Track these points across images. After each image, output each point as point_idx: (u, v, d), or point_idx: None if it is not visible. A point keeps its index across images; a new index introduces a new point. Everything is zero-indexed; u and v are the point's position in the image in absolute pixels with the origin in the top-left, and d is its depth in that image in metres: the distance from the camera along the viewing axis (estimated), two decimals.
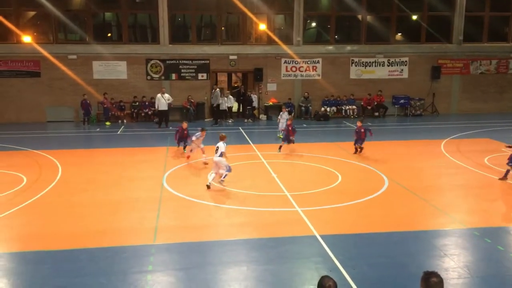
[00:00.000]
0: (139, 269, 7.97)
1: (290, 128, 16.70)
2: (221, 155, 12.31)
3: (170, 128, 21.81)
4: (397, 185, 12.74)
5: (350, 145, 16.86)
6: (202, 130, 15.09)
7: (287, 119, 17.81)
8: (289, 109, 22.03)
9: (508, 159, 12.94)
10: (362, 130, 16.05)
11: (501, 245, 8.88)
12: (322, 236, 9.23)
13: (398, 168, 14.57)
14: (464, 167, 14.64)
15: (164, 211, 10.76)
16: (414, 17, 25.77)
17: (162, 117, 22.28)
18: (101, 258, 8.36)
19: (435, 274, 4.26)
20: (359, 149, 16.27)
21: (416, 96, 25.52)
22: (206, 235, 9.42)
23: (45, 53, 22.55)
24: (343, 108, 25.10)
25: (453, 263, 8.21)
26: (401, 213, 10.74)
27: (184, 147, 16.41)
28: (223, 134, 12.94)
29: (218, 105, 23.28)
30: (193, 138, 14.99)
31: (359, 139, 16.16)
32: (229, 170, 12.47)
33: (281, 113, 19.14)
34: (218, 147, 12.41)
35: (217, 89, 23.64)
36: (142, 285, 7.44)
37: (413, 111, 25.43)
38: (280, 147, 16.71)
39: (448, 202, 11.59)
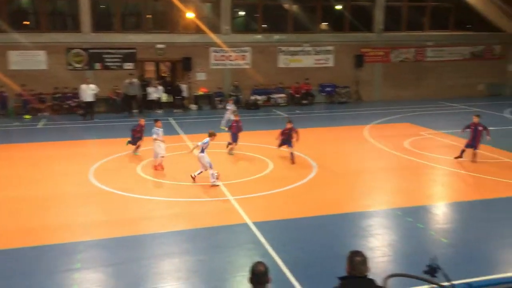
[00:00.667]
0: (66, 267, 7.66)
1: (235, 124, 15.17)
2: (202, 150, 11.89)
3: (96, 120, 21.01)
4: (325, 170, 13.18)
5: (278, 132, 17.12)
6: (156, 121, 13.95)
7: (233, 113, 17.20)
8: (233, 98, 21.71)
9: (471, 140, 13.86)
10: (292, 131, 14.15)
11: (421, 223, 9.49)
12: (254, 223, 9.37)
13: (326, 154, 15.06)
14: (386, 150, 15.42)
15: (92, 206, 10.40)
16: (338, 7, 26.58)
17: (88, 109, 21.38)
18: (26, 257, 7.93)
19: (359, 253, 4.48)
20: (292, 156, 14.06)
21: (342, 84, 26.41)
22: (136, 229, 9.22)
23: None
24: (273, 97, 25.45)
25: (378, 242, 8.67)
26: (329, 197, 11.14)
27: (137, 147, 15.02)
28: (212, 131, 12.48)
29: (135, 96, 22.60)
30: (154, 136, 13.39)
31: (287, 141, 14.15)
32: (210, 166, 11.81)
33: (226, 104, 19.04)
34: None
35: (128, 80, 22.65)
36: (69, 284, 7.16)
37: (339, 99, 26.31)
38: (229, 146, 15.15)
39: (372, 184, 12.18)
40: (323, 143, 16.53)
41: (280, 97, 25.47)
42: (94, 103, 21.57)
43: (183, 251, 8.35)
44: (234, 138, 15.27)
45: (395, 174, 13.05)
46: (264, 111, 23.91)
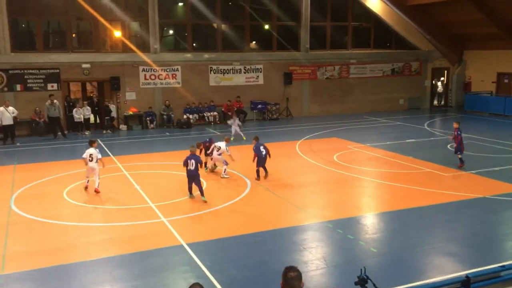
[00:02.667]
0: None
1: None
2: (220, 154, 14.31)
3: (18, 144, 19.86)
4: (259, 186, 13.31)
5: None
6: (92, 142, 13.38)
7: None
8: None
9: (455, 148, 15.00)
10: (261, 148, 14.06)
11: (351, 234, 9.82)
12: (188, 244, 9.23)
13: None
14: (316, 165, 15.86)
15: (13, 237, 9.74)
16: (266, 27, 27.24)
17: (8, 132, 20.14)
18: None
19: (292, 269, 4.54)
20: (264, 174, 14.16)
21: (272, 101, 26.94)
22: (63, 258, 8.75)
23: None
24: (205, 115, 25.41)
25: (311, 255, 8.84)
26: (263, 213, 11.24)
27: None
28: (227, 137, 15.28)
29: (58, 117, 21.72)
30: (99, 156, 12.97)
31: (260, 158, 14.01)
32: (226, 163, 14.26)
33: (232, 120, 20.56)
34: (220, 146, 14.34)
35: (55, 101, 21.70)
36: None
37: (270, 115, 26.79)
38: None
39: (304, 198, 12.46)
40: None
41: (212, 115, 25.49)
42: (14, 127, 20.39)
43: (115, 278, 8.03)
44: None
45: (326, 188, 13.44)
46: (196, 130, 23.78)
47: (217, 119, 25.48)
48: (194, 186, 12.18)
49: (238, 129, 20.30)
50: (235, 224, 10.50)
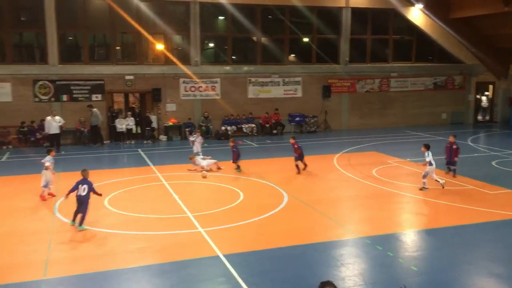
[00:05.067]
0: None
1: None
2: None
3: (63, 152, 20.56)
4: (295, 199, 13.20)
5: (250, 163, 17.16)
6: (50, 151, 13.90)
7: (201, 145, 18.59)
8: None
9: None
10: (296, 146, 16.21)
11: (390, 251, 9.56)
12: (225, 256, 9.23)
13: (296, 183, 15.13)
14: (355, 179, 15.61)
15: (56, 242, 10.04)
16: (306, 40, 27.26)
17: (53, 141, 20.92)
18: None
19: (329, 283, 4.47)
20: (303, 166, 16.43)
21: (310, 113, 26.83)
22: (102, 265, 8.93)
23: None
24: (243, 127, 25.58)
25: (349, 271, 8.66)
26: (300, 227, 11.13)
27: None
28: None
29: (97, 126, 22.49)
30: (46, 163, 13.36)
31: (297, 155, 16.24)
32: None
33: (193, 136, 18.87)
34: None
35: (94, 109, 22.51)
36: None
37: (308, 128, 26.67)
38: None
39: (342, 213, 12.27)
40: (293, 172, 16.60)
41: (250, 127, 25.62)
42: (60, 135, 21.15)
43: (152, 286, 8.12)
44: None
45: (364, 203, 13.18)
46: None
47: (254, 131, 25.59)
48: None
49: (199, 146, 18.43)
50: (272, 236, 10.44)
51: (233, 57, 26.26)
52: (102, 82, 23.47)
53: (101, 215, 11.83)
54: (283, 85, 26.53)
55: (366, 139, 23.79)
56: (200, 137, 18.68)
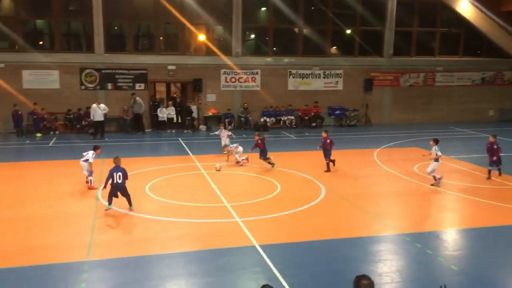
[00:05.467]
0: (70, 286, 7.61)
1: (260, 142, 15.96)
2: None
3: (106, 139, 21.17)
4: (333, 193, 13.09)
5: (288, 155, 17.14)
6: (96, 148, 13.75)
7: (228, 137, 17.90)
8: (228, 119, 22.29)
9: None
10: (328, 140, 15.53)
11: (430, 249, 9.34)
12: (261, 246, 9.28)
13: (334, 177, 14.99)
14: (395, 174, 15.31)
15: (99, 226, 10.39)
16: (348, 31, 26.82)
17: (98, 128, 21.58)
18: (31, 277, 7.91)
19: (365, 277, 4.42)
20: (331, 163, 15.61)
21: (351, 107, 26.45)
22: (142, 249, 9.18)
23: None
24: (282, 119, 25.53)
25: (387, 268, 8.53)
26: (338, 221, 11.04)
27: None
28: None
29: (139, 115, 22.99)
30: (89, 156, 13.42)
31: (326, 150, 15.53)
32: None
33: (219, 131, 18.30)
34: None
35: (138, 98, 23.06)
36: None
37: (348, 122, 26.32)
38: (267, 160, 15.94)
39: (381, 209, 12.06)
40: (332, 166, 16.44)
41: (289, 119, 25.54)
42: (104, 123, 21.78)
43: (189, 273, 8.28)
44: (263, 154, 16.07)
45: (404, 199, 12.91)
46: (273, 133, 23.92)
47: (293, 123, 25.49)
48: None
49: (227, 141, 17.77)
50: (309, 229, 10.41)
51: (274, 48, 26.19)
52: (146, 71, 23.96)
53: (142, 201, 12.13)
54: (324, 77, 26.25)
55: (408, 134, 23.25)
56: (223, 130, 18.19)
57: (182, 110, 24.71)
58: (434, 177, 13.87)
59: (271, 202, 12.24)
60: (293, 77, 25.89)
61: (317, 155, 17.71)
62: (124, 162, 15.02)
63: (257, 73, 25.32)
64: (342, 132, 24.61)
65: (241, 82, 25.21)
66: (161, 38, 25.05)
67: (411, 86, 27.50)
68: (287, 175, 15.05)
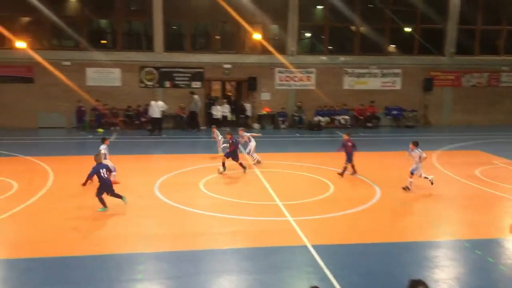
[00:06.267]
0: (128, 277, 7.91)
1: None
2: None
3: (163, 135, 21.78)
4: (389, 195, 12.77)
5: (341, 155, 16.87)
6: (104, 139, 13.90)
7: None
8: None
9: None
10: (349, 144, 14.68)
11: (491, 257, 8.91)
12: (313, 246, 9.22)
13: (390, 179, 14.59)
14: (455, 178, 14.70)
15: (155, 219, 10.71)
16: (408, 29, 26.04)
17: (155, 125, 22.25)
18: (90, 265, 8.29)
19: (420, 282, 4.26)
20: (349, 169, 14.73)
21: (409, 107, 25.68)
22: (196, 244, 9.37)
23: (39, 59, 22.43)
24: (336, 118, 25.21)
25: (444, 274, 8.23)
26: (393, 224, 10.77)
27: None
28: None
29: (195, 112, 23.30)
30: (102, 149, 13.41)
31: (348, 154, 14.64)
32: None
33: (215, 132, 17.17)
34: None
35: (195, 96, 23.51)
36: None
37: (406, 122, 25.57)
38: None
39: (439, 213, 11.63)
40: (387, 167, 16.07)
41: (343, 118, 25.18)
42: (161, 120, 22.42)
43: (241, 269, 8.37)
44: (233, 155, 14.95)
45: (464, 204, 12.37)
46: (326, 133, 23.71)
47: (347, 123, 25.11)
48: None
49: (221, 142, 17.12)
50: (362, 231, 10.22)
51: (329, 47, 25.89)
52: (202, 70, 24.43)
53: (196, 197, 12.39)
54: (381, 76, 25.65)
55: (469, 136, 22.25)
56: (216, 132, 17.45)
57: (236, 108, 24.98)
58: (411, 182, 13.16)
59: (324, 202, 12.13)
60: (349, 76, 25.48)
61: (372, 156, 17.38)
62: (180, 158, 15.42)
63: (312, 72, 25.14)
64: (399, 133, 23.94)
65: (295, 81, 25.13)
66: (217, 37, 25.43)
67: (473, 86, 26.31)
68: (340, 176, 14.83)
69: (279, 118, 24.82)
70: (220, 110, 24.26)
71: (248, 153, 16.32)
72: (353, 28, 25.64)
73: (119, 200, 11.47)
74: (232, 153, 14.77)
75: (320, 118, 24.96)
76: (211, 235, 9.90)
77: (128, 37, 25.28)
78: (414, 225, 10.78)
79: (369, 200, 12.27)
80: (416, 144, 13.28)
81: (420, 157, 13.06)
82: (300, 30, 25.47)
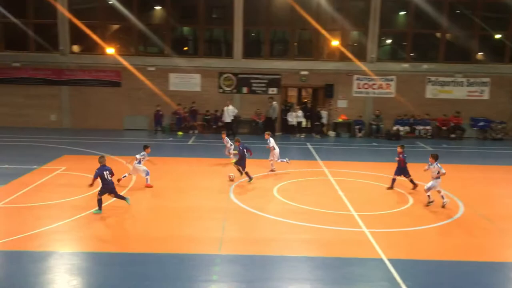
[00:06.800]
0: (204, 277, 8.09)
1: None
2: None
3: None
4: (473, 211, 12.02)
5: (421, 166, 16.14)
6: (145, 147, 14.17)
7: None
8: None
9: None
10: (400, 156, 13.80)
11: None
12: (389, 260, 8.88)
13: (474, 194, 13.76)
14: None
15: (229, 222, 10.89)
16: (498, 36, 24.48)
17: (229, 129, 22.80)
18: (168, 263, 8.58)
19: None
20: (411, 181, 13.89)
21: (497, 119, 24.09)
22: (269, 249, 9.39)
23: (126, 64, 23.81)
24: (416, 128, 24.21)
25: None
26: (476, 242, 10.10)
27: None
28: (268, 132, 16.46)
29: (273, 119, 23.39)
30: (138, 156, 13.85)
31: (398, 168, 13.88)
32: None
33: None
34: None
35: (274, 102, 23.63)
36: None
37: (493, 135, 23.99)
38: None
39: None
40: (471, 182, 15.15)
41: (425, 129, 24.14)
42: (232, 124, 22.87)
43: (315, 278, 8.25)
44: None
45: None
46: (405, 143, 22.78)
47: (429, 134, 24.03)
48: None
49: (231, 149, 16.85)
50: (444, 247, 9.69)
51: (411, 54, 24.97)
52: (279, 76, 24.58)
53: (269, 202, 12.44)
54: (468, 85, 24.29)
55: None
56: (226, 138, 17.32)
57: (312, 115, 24.82)
58: (429, 196, 12.21)
59: (402, 215, 11.67)
60: (432, 85, 24.41)
61: (456, 169, 16.49)
62: (254, 164, 15.55)
63: (392, 80, 24.40)
64: (485, 146, 22.53)
65: (374, 89, 24.51)
66: (295, 43, 25.48)
67: None
68: (420, 188, 14.19)
69: (356, 126, 24.32)
70: (295, 117, 24.23)
71: (278, 160, 15.91)
72: (438, 34, 24.55)
73: (200, 202, 11.78)
74: (241, 161, 14.59)
75: (400, 127, 24.12)
76: (284, 241, 9.87)
77: (209, 44, 26.06)
78: (500, 244, 10.04)
79: (452, 215, 11.63)
80: (436, 158, 12.33)
81: (439, 172, 12.10)
82: (380, 37, 24.82)
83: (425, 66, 24.44)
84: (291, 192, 13.54)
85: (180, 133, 23.82)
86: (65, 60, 24.35)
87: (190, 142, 21.87)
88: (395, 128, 24.10)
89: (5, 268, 8.34)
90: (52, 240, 9.64)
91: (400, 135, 23.73)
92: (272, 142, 15.85)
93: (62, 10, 23.73)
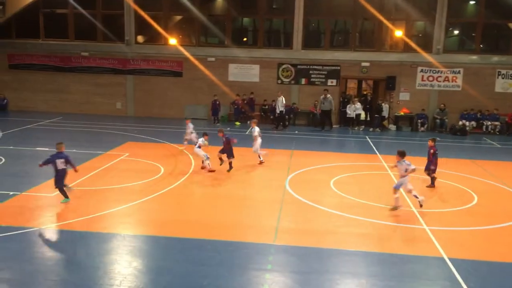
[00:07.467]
0: (258, 266, 8.15)
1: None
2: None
3: (296, 132, 22.04)
4: None
5: (489, 164, 15.40)
6: (204, 134, 14.57)
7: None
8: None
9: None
10: (431, 151, 13.16)
11: None
12: (451, 259, 8.53)
13: None
14: None
15: (285, 213, 10.88)
16: None
17: (280, 120, 22.74)
18: (224, 250, 8.72)
19: None
20: (432, 178, 13.31)
21: None
22: (325, 242, 9.30)
23: (188, 55, 24.32)
24: (484, 123, 23.00)
25: None
26: None
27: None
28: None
29: (329, 111, 23.07)
30: (199, 142, 14.33)
31: (428, 162, 13.24)
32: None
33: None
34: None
35: (328, 95, 23.06)
36: (260, 282, 7.59)
37: None
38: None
39: None
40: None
41: (493, 124, 22.88)
42: (281, 115, 22.82)
43: (371, 273, 8.07)
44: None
45: None
46: (472, 138, 21.80)
47: (497, 130, 22.77)
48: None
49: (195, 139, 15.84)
50: (509, 249, 9.17)
51: (481, 45, 23.67)
52: (338, 67, 24.15)
53: (325, 195, 12.30)
54: None
55: None
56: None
57: (372, 108, 24.21)
58: (397, 199, 11.12)
59: (466, 213, 11.16)
60: (503, 78, 23.06)
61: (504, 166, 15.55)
62: (309, 155, 15.41)
63: (459, 72, 23.28)
64: None
65: (439, 81, 23.51)
66: (356, 34, 24.90)
67: None
68: (487, 186, 13.52)
69: (418, 120, 23.48)
70: (354, 109, 23.72)
71: (254, 151, 15.43)
72: (510, 25, 23.10)
73: (256, 191, 11.94)
74: (227, 150, 14.51)
75: (466, 122, 23.01)
76: (340, 234, 9.74)
77: (268, 35, 26.03)
78: None
79: None
80: (403, 155, 11.27)
81: (406, 170, 11.10)
82: (448, 27, 23.71)
83: (495, 58, 23.10)
84: (348, 185, 13.32)
85: (237, 123, 24.04)
86: (130, 50, 25.23)
87: (247, 132, 21.97)
88: (461, 123, 23.02)
89: (73, 247, 8.81)
90: (115, 223, 10.07)
91: (466, 130, 22.65)
92: (257, 131, 15.50)
93: (128, 1, 24.57)
